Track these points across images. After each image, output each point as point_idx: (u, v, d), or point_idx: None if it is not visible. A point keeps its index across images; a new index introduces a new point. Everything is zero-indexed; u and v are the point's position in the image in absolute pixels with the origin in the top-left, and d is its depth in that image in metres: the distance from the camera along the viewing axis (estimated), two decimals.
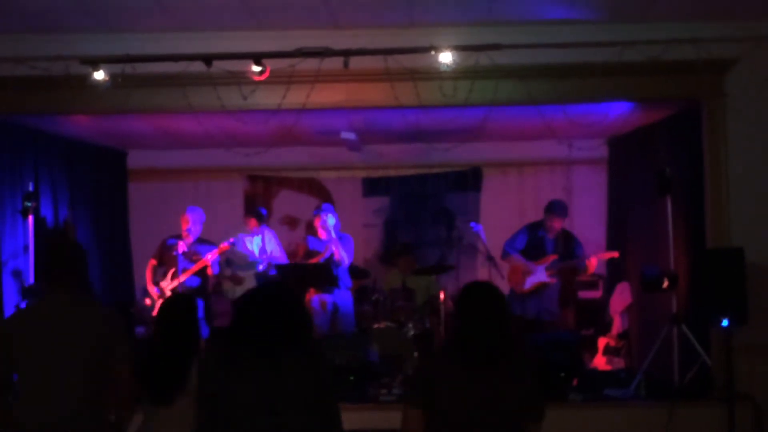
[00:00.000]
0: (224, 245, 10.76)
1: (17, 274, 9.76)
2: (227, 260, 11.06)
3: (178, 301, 6.29)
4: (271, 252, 11.62)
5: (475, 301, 4.77)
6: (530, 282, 10.68)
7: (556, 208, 10.86)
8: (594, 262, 10.68)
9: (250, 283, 11.23)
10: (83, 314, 5.45)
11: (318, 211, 11.33)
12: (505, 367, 4.63)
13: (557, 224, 10.82)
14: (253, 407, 4.36)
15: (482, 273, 12.09)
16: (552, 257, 10.71)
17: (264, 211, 11.92)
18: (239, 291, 11.16)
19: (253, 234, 11.63)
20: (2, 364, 5.34)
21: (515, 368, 4.67)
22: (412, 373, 4.81)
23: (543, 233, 10.92)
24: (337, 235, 11.20)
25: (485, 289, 4.95)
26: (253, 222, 11.68)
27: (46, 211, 10.57)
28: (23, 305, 9.39)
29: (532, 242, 10.90)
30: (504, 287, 10.56)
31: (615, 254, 11.02)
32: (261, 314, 4.47)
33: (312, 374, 4.42)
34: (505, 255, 11.09)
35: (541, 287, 10.68)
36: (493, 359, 4.59)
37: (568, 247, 10.80)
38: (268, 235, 11.74)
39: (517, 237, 11.03)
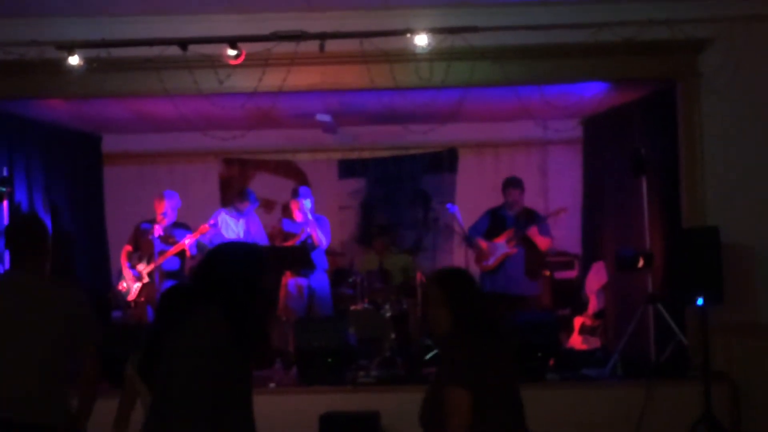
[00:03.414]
0: (204, 227, 10.74)
1: None
2: (199, 246, 10.96)
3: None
4: (255, 236, 11.58)
5: (469, 282, 4.94)
6: (494, 258, 10.74)
7: (512, 182, 10.97)
8: (534, 231, 10.76)
9: None
10: (51, 293, 5.39)
11: (295, 194, 11.32)
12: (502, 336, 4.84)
13: (517, 197, 10.90)
14: None
15: (458, 254, 12.14)
16: (510, 231, 10.78)
17: (253, 195, 11.87)
18: None
19: (239, 216, 11.57)
20: None
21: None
22: (457, 356, 4.72)
23: (504, 212, 11.00)
24: (314, 217, 11.19)
25: (466, 271, 5.19)
26: (245, 204, 11.60)
27: (21, 196, 10.51)
28: None
29: (494, 222, 11.00)
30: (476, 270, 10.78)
31: (563, 208, 11.23)
32: None
33: None
34: (469, 241, 11.17)
35: (505, 259, 10.73)
36: (499, 330, 4.81)
37: (530, 219, 10.87)
38: (253, 220, 11.70)
39: (478, 222, 11.14)
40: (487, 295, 5.01)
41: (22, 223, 6.18)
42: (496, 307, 4.99)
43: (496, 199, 11.12)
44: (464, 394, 4.51)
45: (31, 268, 5.45)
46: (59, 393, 5.35)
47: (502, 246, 10.71)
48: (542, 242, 10.82)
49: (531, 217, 10.89)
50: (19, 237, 5.56)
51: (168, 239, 10.77)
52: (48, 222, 10.81)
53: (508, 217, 10.91)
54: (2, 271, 9.70)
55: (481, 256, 10.90)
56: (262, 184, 13.57)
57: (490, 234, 10.90)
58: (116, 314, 11.13)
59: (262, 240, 11.53)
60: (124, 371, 5.72)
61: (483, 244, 10.85)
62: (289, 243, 11.19)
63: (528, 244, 10.70)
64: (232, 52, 8.61)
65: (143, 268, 10.77)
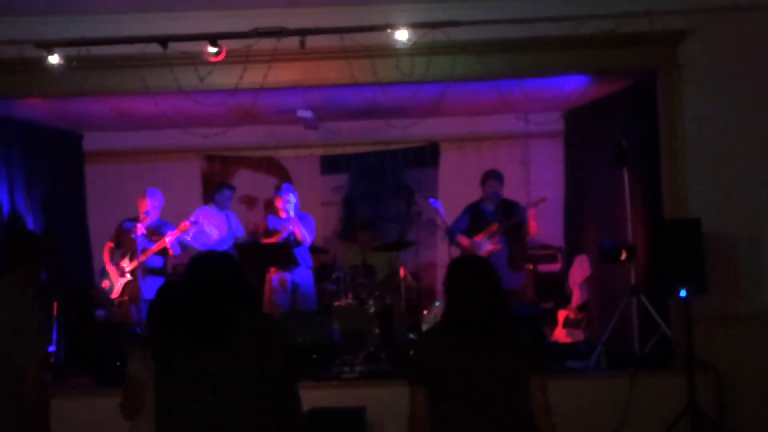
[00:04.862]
0: (185, 224, 10.71)
1: None
2: (182, 245, 10.92)
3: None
4: (236, 231, 11.60)
5: (468, 274, 4.73)
6: None
7: (491, 174, 11.02)
8: (533, 213, 10.81)
9: None
10: (6, 301, 5.26)
11: (279, 191, 11.31)
12: (503, 334, 4.61)
13: (496, 188, 10.95)
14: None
15: (442, 249, 12.13)
16: (494, 226, 10.78)
17: (231, 187, 11.95)
18: None
19: (221, 212, 11.57)
20: None
21: (511, 334, 4.63)
22: (413, 352, 4.71)
23: (483, 206, 11.03)
24: (297, 215, 11.18)
25: (476, 261, 4.99)
26: (223, 196, 11.65)
27: (2, 196, 10.47)
28: None
29: (474, 218, 11.01)
30: None
31: (543, 199, 11.27)
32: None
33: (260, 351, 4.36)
34: (451, 239, 11.19)
35: (490, 256, 10.72)
36: (493, 330, 4.57)
37: (509, 211, 10.87)
38: (233, 215, 11.72)
39: (459, 219, 11.16)
40: (502, 287, 4.71)
41: (8, 236, 6.17)
42: (503, 302, 4.68)
43: (478, 193, 11.14)
44: (415, 391, 4.52)
45: (12, 279, 5.40)
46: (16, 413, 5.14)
47: (486, 243, 10.72)
48: (534, 226, 10.90)
49: (510, 208, 10.89)
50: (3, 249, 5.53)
51: (152, 236, 10.74)
52: (29, 221, 10.81)
53: (488, 212, 10.93)
54: None
55: None
56: (244, 181, 13.54)
57: (471, 231, 10.92)
58: (100, 313, 11.10)
59: (241, 235, 11.55)
60: (125, 369, 5.70)
61: (465, 241, 10.88)
62: (272, 239, 11.19)
63: (511, 237, 10.71)
64: (212, 49, 8.60)
65: (126, 264, 10.75)
